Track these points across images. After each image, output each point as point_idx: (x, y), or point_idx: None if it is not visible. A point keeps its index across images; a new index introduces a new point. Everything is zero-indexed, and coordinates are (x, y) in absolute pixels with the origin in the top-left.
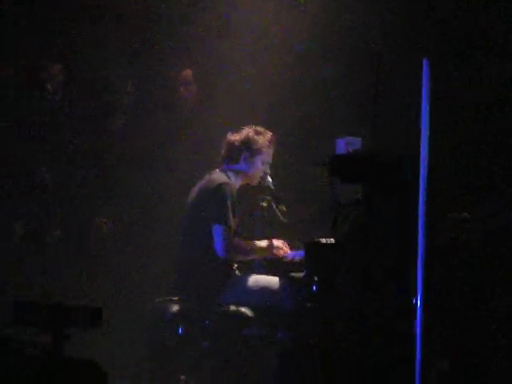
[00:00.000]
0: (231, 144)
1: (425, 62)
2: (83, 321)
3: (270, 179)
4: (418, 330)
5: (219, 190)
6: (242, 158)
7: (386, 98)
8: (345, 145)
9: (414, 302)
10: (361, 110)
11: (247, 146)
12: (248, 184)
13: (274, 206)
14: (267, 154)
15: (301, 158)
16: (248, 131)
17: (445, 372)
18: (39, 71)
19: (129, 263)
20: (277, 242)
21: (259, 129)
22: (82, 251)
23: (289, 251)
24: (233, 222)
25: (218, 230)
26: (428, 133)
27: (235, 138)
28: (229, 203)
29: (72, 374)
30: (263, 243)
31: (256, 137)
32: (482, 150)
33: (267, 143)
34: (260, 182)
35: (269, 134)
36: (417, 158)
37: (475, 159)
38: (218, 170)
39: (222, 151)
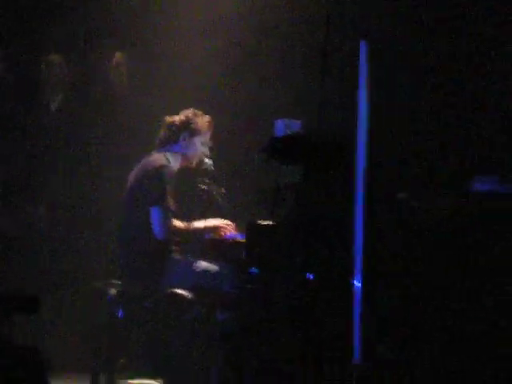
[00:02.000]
0: (170, 125)
1: (362, 44)
2: (20, 309)
3: (209, 161)
4: (357, 311)
5: (157, 172)
6: (181, 138)
7: (329, 81)
8: (283, 126)
9: (353, 282)
10: (302, 94)
11: (186, 126)
12: (187, 166)
13: (214, 189)
14: (206, 136)
15: (240, 140)
16: (187, 112)
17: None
18: None
19: (68, 247)
20: (218, 221)
21: (197, 111)
22: (19, 236)
23: (232, 232)
24: (172, 204)
25: (155, 212)
26: (366, 115)
27: (174, 119)
28: (167, 185)
29: (13, 359)
30: (202, 223)
31: (195, 118)
32: (424, 131)
33: (206, 124)
34: (199, 165)
35: (207, 117)
36: (356, 139)
37: (418, 143)
38: (156, 152)
39: (161, 133)
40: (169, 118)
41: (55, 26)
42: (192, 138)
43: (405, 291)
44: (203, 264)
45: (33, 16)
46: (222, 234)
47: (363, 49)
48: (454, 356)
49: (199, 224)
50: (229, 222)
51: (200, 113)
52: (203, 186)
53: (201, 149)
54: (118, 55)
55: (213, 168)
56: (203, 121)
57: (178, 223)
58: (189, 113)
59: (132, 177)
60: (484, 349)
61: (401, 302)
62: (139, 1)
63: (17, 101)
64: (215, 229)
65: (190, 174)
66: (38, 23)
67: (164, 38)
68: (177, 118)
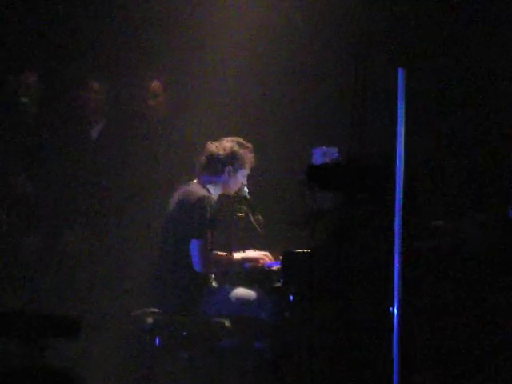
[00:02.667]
0: (213, 155)
1: (400, 72)
2: (62, 330)
3: (246, 189)
4: (395, 339)
5: (199, 204)
6: (226, 172)
7: (364, 107)
8: (321, 154)
9: (391, 310)
10: (338, 120)
11: (231, 160)
12: (225, 194)
13: (251, 216)
14: (248, 167)
15: (277, 167)
16: (232, 144)
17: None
18: (14, 80)
19: (107, 274)
20: (257, 253)
21: (241, 140)
22: (60, 261)
23: (269, 261)
24: (211, 235)
25: (196, 246)
26: (404, 141)
27: (218, 149)
28: (207, 218)
29: (51, 382)
30: (241, 255)
31: (240, 150)
32: (460, 157)
33: (250, 157)
34: (237, 192)
35: (250, 146)
36: (394, 166)
37: (454, 168)
38: (196, 182)
39: (202, 161)
40: (211, 147)
41: (93, 53)
42: (236, 172)
43: (443, 319)
44: (241, 292)
45: (70, 44)
46: (261, 263)
47: (401, 75)
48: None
49: (238, 255)
50: (266, 253)
51: (243, 143)
52: (241, 214)
53: (241, 180)
54: (154, 84)
55: (248, 196)
56: (248, 154)
57: (217, 254)
58: (234, 144)
59: (171, 206)
60: None
61: (439, 330)
62: (174, 28)
63: (56, 130)
64: (254, 259)
65: (227, 201)
66: (75, 50)
67: (200, 66)
68: (222, 151)
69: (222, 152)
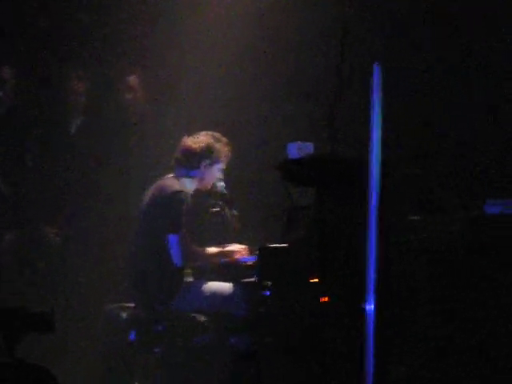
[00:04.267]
0: (189, 150)
1: (376, 67)
2: (35, 324)
3: (222, 184)
4: (371, 333)
5: (174, 197)
6: (202, 166)
7: (341, 102)
8: (296, 149)
9: (366, 305)
10: (313, 115)
11: (207, 154)
12: (200, 188)
13: (227, 211)
14: (224, 162)
15: (253, 162)
16: (207, 138)
17: (401, 378)
18: None
19: (81, 269)
20: (233, 247)
21: (217, 135)
22: (34, 256)
23: (245, 255)
24: (187, 228)
25: (173, 240)
26: (379, 137)
27: (194, 144)
28: (183, 211)
29: (22, 378)
30: (219, 249)
31: (216, 144)
32: (436, 154)
33: (225, 151)
34: (212, 187)
35: (225, 140)
36: (370, 161)
37: (430, 165)
38: (171, 176)
39: (178, 155)
40: (187, 142)
41: (71, 48)
42: (212, 166)
43: (418, 313)
44: (216, 287)
45: (47, 38)
46: (236, 257)
47: (377, 72)
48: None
49: (215, 249)
50: (242, 247)
51: (219, 137)
52: (216, 209)
53: (217, 174)
54: (131, 79)
55: (225, 190)
56: (224, 148)
57: (194, 248)
58: (209, 139)
59: (146, 200)
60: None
61: (414, 324)
62: (150, 22)
63: (34, 125)
64: (230, 253)
65: (202, 196)
66: (53, 44)
67: (175, 60)
68: (197, 145)
69: (197, 146)
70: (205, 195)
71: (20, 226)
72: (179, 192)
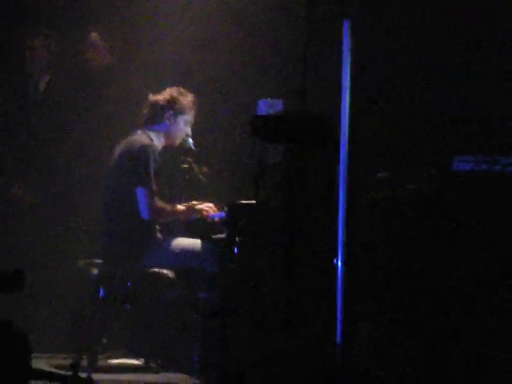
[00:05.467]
0: (154, 103)
1: (345, 23)
2: (5, 284)
3: (191, 141)
4: (339, 291)
5: (141, 151)
6: (166, 117)
7: (311, 59)
8: (266, 106)
9: (336, 261)
10: (283, 72)
11: (171, 105)
12: (170, 145)
13: (196, 168)
14: (190, 115)
15: (222, 119)
16: (171, 91)
17: (368, 333)
18: None
19: (51, 226)
20: (201, 205)
21: (181, 89)
22: (3, 213)
23: (214, 212)
24: (156, 183)
25: (141, 193)
26: (349, 93)
27: (158, 97)
28: (151, 165)
29: None
30: (185, 205)
31: (180, 97)
32: (406, 110)
33: (190, 103)
34: (182, 144)
35: (191, 95)
36: (339, 118)
37: (400, 122)
38: (139, 131)
39: (144, 111)
40: (152, 97)
41: (34, 7)
42: (176, 118)
43: (386, 270)
44: (184, 243)
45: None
46: (205, 214)
47: (346, 27)
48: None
49: (183, 206)
50: (210, 204)
51: (184, 91)
52: (185, 165)
53: (184, 128)
54: (92, 35)
55: (195, 147)
56: (188, 100)
57: (163, 204)
58: (173, 92)
59: (115, 156)
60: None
61: (383, 281)
62: None
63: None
64: (199, 210)
65: (172, 153)
66: (18, 4)
67: (143, 15)
68: (161, 97)
69: (161, 98)
70: (174, 151)
71: None
72: (147, 146)
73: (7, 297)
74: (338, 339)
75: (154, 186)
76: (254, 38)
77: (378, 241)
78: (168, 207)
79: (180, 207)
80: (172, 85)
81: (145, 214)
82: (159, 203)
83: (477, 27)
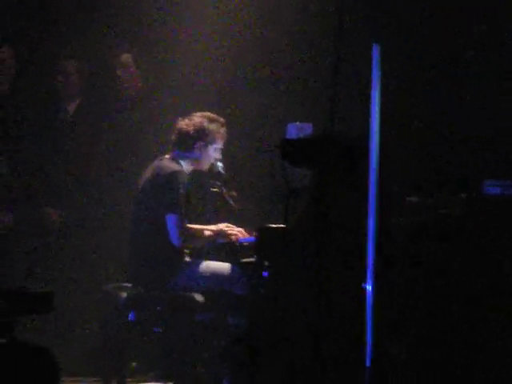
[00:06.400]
0: (183, 131)
1: (375, 47)
2: (35, 305)
3: (220, 164)
4: (369, 315)
5: (171, 178)
6: (196, 147)
7: (340, 83)
8: (295, 130)
9: (365, 286)
10: (313, 96)
11: (201, 135)
12: (198, 170)
13: (225, 192)
14: (220, 142)
15: (252, 143)
16: (201, 119)
17: (398, 358)
18: None
19: (80, 249)
20: (230, 230)
21: (211, 115)
22: (33, 238)
23: (243, 236)
24: (185, 209)
25: (171, 220)
26: (378, 118)
27: (187, 125)
28: (181, 191)
29: (23, 358)
30: (214, 228)
31: (210, 125)
32: (435, 134)
33: (221, 131)
34: (210, 168)
35: (221, 121)
36: (369, 142)
37: (431, 146)
38: (168, 157)
39: (173, 137)
40: (182, 124)
41: (66, 29)
42: (206, 147)
43: (417, 294)
44: (214, 266)
45: (41, 18)
46: (234, 238)
47: (376, 52)
48: (465, 359)
49: (212, 230)
50: (239, 229)
51: (214, 117)
52: (214, 189)
53: (214, 154)
54: (124, 57)
55: (224, 171)
56: (218, 127)
57: (192, 228)
58: (204, 121)
59: (143, 181)
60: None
61: (414, 305)
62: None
63: (32, 107)
64: (227, 235)
65: (201, 177)
66: (45, 26)
67: (173, 39)
68: (191, 126)
69: (191, 128)
70: (203, 175)
71: (17, 205)
72: (177, 172)
73: (36, 318)
74: (368, 362)
75: (183, 212)
76: (284, 60)
77: (407, 265)
78: (197, 233)
79: (209, 232)
80: (200, 106)
81: (175, 240)
82: (189, 229)
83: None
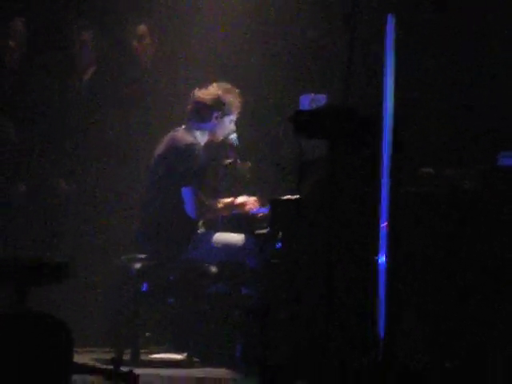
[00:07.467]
0: (200, 101)
1: (389, 18)
2: (49, 275)
3: (234, 135)
4: (382, 287)
5: (187, 151)
6: (212, 118)
7: (354, 54)
8: (309, 101)
9: (378, 257)
10: (327, 67)
11: (218, 105)
12: (212, 140)
13: (239, 163)
14: (236, 113)
15: (266, 114)
16: (218, 89)
17: (411, 328)
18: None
19: (94, 220)
20: (244, 199)
21: (228, 86)
22: (47, 207)
23: (257, 207)
24: (200, 180)
25: (187, 192)
26: (392, 90)
27: (204, 96)
28: (196, 164)
29: (36, 328)
30: (229, 200)
31: (227, 96)
32: (449, 106)
33: (237, 102)
34: (224, 139)
35: (237, 93)
36: (382, 113)
37: (444, 118)
38: (182, 128)
39: (189, 108)
40: (199, 94)
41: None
42: (223, 118)
43: (429, 267)
44: (227, 238)
45: None
46: (248, 209)
47: (390, 22)
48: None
49: (226, 201)
50: (253, 199)
51: (231, 88)
52: (228, 160)
53: (229, 126)
54: (140, 28)
55: (238, 142)
56: (235, 100)
57: (208, 200)
58: (220, 91)
59: (158, 152)
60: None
61: (425, 278)
62: None
63: (47, 77)
64: (241, 205)
65: (215, 148)
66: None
67: (188, 10)
68: (208, 97)
69: (208, 98)
70: (217, 147)
71: (31, 176)
72: (192, 144)
73: (49, 290)
74: (381, 335)
75: (198, 185)
76: (297, 32)
77: (419, 237)
78: (212, 204)
79: (223, 203)
80: (215, 77)
81: (191, 212)
82: (204, 201)
83: None
